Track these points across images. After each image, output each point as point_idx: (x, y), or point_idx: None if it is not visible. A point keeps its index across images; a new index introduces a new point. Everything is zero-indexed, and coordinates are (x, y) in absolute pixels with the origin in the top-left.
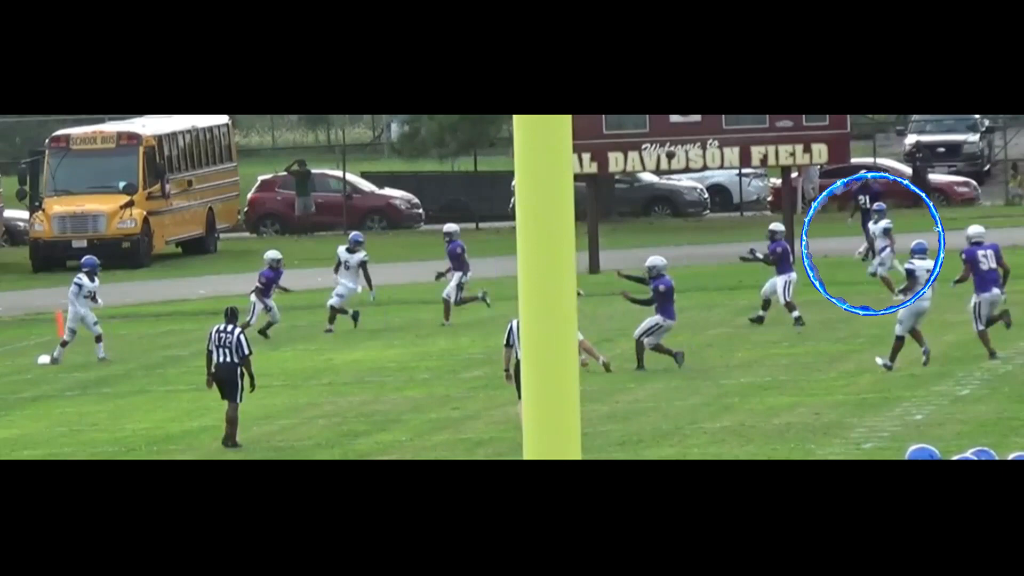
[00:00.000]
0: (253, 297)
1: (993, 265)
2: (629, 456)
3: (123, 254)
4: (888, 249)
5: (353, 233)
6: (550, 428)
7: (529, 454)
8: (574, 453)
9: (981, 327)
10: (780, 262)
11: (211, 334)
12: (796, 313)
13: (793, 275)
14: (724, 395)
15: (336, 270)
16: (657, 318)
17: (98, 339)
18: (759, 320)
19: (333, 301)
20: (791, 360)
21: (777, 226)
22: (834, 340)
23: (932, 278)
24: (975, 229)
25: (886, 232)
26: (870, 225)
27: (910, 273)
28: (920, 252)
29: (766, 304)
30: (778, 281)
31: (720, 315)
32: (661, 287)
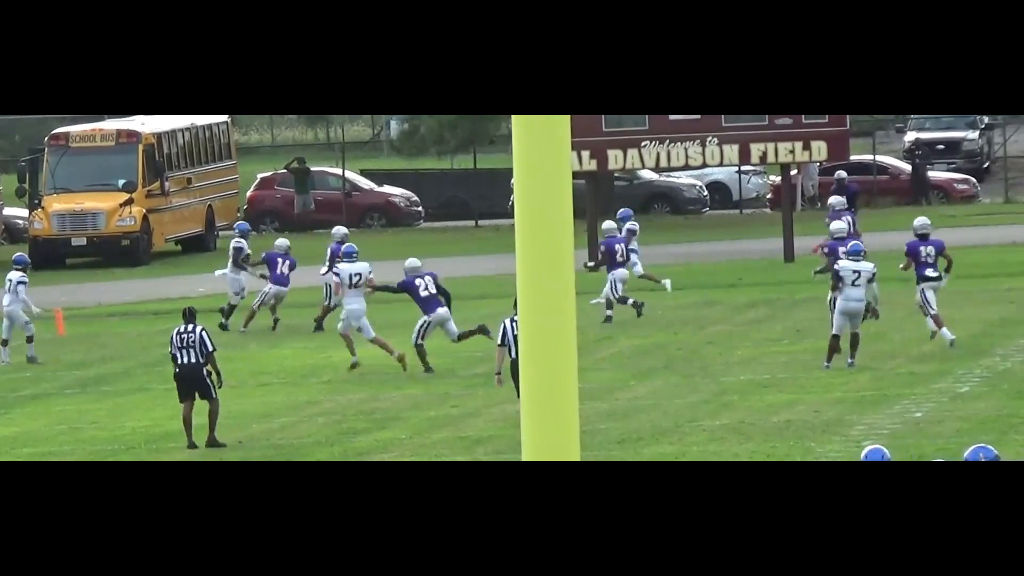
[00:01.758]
0: (324, 274)
1: None
2: (628, 454)
3: (122, 252)
4: (632, 253)
5: (240, 223)
6: (549, 428)
7: (528, 454)
8: (573, 453)
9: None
10: (609, 260)
11: (172, 337)
12: (631, 301)
13: (621, 271)
14: (723, 393)
15: (235, 260)
16: (422, 318)
17: (30, 339)
18: (609, 320)
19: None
20: (790, 358)
21: (609, 223)
22: None
23: (859, 279)
24: (836, 225)
25: (631, 234)
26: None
27: (835, 272)
28: (855, 254)
29: (610, 303)
30: (607, 278)
31: (719, 313)
32: (405, 281)
